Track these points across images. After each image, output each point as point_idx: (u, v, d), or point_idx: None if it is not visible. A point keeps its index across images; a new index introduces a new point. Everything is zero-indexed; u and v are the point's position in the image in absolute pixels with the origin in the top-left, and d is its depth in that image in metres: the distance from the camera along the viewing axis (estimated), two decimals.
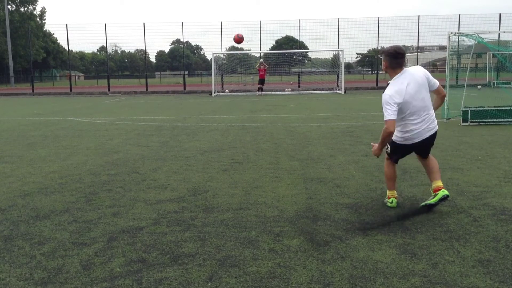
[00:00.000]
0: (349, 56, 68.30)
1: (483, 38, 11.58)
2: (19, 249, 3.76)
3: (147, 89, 33.33)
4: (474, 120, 11.20)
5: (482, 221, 4.22)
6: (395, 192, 4.76)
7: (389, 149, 4.72)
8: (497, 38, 28.32)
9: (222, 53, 37.00)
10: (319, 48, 43.46)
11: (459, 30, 29.23)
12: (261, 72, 27.73)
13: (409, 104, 4.36)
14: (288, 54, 43.71)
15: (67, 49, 46.01)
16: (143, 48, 38.79)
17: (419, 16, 33.53)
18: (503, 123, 11.13)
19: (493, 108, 11.46)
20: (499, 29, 30.45)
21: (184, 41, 53.31)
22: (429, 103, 4.48)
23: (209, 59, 45.46)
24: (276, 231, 4.04)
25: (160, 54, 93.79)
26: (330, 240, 3.82)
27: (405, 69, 4.46)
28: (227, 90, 30.96)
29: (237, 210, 4.67)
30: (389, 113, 4.34)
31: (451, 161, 6.83)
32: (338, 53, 34.58)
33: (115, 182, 5.97)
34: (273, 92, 29.26)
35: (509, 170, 6.20)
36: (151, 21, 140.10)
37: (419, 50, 38.51)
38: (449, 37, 12.57)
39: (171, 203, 4.97)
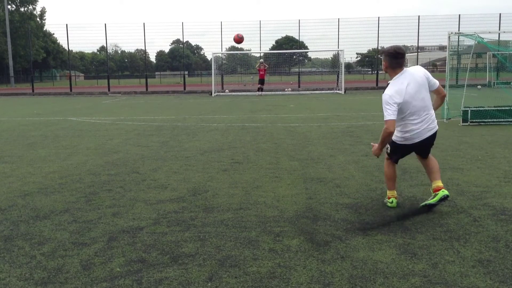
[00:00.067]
0: (349, 56, 68.34)
1: (483, 38, 11.58)
2: (19, 249, 3.76)
3: (147, 89, 33.33)
4: (474, 120, 11.20)
5: (482, 221, 4.22)
6: (395, 192, 4.76)
7: (389, 149, 4.73)
8: (497, 38, 28.32)
9: (222, 53, 37.00)
10: (319, 48, 43.47)
11: (459, 30, 29.24)
12: (261, 72, 27.74)
13: (409, 104, 4.36)
14: (288, 54, 43.71)
15: (67, 49, 46.03)
16: (143, 48, 38.84)
17: (419, 16, 33.57)
18: (503, 123, 11.14)
19: (493, 108, 11.46)
20: (499, 29, 30.46)
21: (184, 41, 53.36)
22: (429, 103, 4.48)
23: (209, 59, 45.48)
24: (276, 231, 4.04)
25: (160, 54, 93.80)
26: (330, 240, 3.82)
27: (405, 69, 4.47)
28: (227, 90, 30.96)
29: (237, 210, 4.67)
30: (389, 113, 4.34)
31: (451, 161, 6.83)
32: (338, 53, 34.60)
33: (115, 182, 5.97)
34: (273, 92, 29.26)
35: (509, 170, 6.20)
36: (151, 21, 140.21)
37: (419, 50, 38.51)
38: (449, 37, 12.57)
39: (171, 203, 4.97)
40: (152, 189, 5.58)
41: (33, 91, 34.16)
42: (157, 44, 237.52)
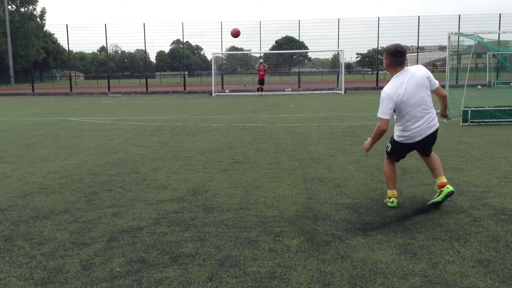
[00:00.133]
0: (349, 56, 68.43)
1: (483, 38, 11.58)
2: (19, 249, 3.76)
3: (147, 89, 33.33)
4: (474, 120, 11.20)
5: (482, 221, 4.22)
6: (395, 191, 4.76)
7: (389, 148, 4.73)
8: (497, 38, 28.31)
9: (222, 53, 37.01)
10: (319, 48, 43.43)
11: (459, 30, 29.25)
12: (260, 72, 27.77)
13: (408, 103, 4.37)
14: (288, 54, 43.68)
15: (67, 49, 46.05)
16: (143, 48, 38.85)
17: (419, 16, 33.57)
18: (503, 123, 11.14)
19: (493, 108, 11.46)
20: (499, 29, 30.45)
21: (184, 41, 53.31)
22: (429, 102, 4.48)
23: (209, 59, 45.49)
24: (276, 231, 4.04)
25: (160, 54, 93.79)
26: (330, 240, 3.82)
27: (406, 68, 4.47)
28: (227, 90, 30.96)
29: (237, 210, 4.67)
30: (385, 111, 4.36)
31: (451, 161, 6.83)
32: (338, 53, 34.62)
33: (115, 182, 5.98)
34: (273, 92, 29.26)
35: (509, 170, 6.20)
36: (151, 21, 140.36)
37: (419, 50, 38.51)
38: (449, 37, 12.58)
39: (171, 203, 4.97)
40: (152, 189, 5.59)
41: (33, 91, 34.17)
42: (157, 44, 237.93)
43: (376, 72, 37.48)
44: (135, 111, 17.36)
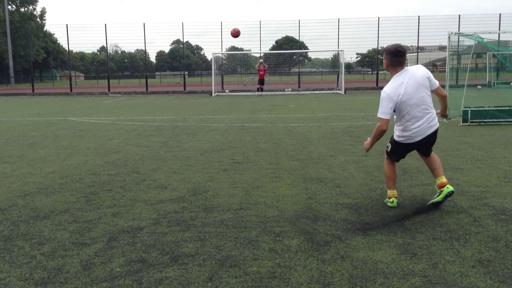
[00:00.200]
0: (349, 56, 68.41)
1: (483, 38, 11.58)
2: (19, 249, 3.76)
3: (147, 89, 33.33)
4: (474, 120, 11.20)
5: (482, 221, 4.22)
6: (395, 191, 4.76)
7: (389, 148, 4.73)
8: (497, 38, 28.31)
9: (222, 53, 37.01)
10: (319, 48, 43.41)
11: (459, 30, 29.25)
12: (260, 72, 27.77)
13: (408, 103, 4.37)
14: (288, 54, 43.69)
15: (67, 49, 46.05)
16: (143, 48, 38.85)
17: (419, 16, 33.57)
18: (503, 123, 11.14)
19: (493, 108, 11.46)
20: (499, 29, 30.46)
21: (184, 41, 53.32)
22: (429, 102, 4.49)
23: (209, 59, 45.48)
24: (276, 231, 4.05)
25: (160, 54, 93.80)
26: (330, 240, 3.82)
27: (406, 67, 4.47)
28: (227, 90, 30.97)
29: (237, 210, 4.67)
30: (384, 111, 4.36)
31: (451, 161, 6.83)
32: (338, 53, 34.61)
33: (115, 182, 5.98)
34: (273, 92, 29.27)
35: (509, 170, 6.20)
36: (151, 21, 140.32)
37: (419, 50, 38.51)
38: (449, 37, 12.58)
39: (171, 203, 4.97)
40: (152, 189, 5.59)
41: (33, 91, 34.17)
42: (157, 44, 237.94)
43: (376, 72, 37.49)
44: (135, 111, 17.36)
